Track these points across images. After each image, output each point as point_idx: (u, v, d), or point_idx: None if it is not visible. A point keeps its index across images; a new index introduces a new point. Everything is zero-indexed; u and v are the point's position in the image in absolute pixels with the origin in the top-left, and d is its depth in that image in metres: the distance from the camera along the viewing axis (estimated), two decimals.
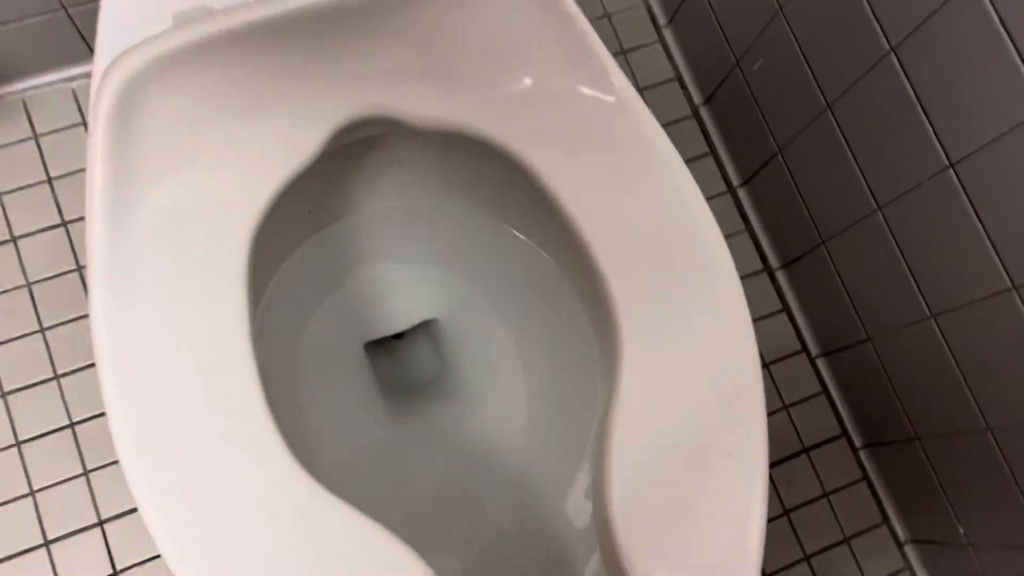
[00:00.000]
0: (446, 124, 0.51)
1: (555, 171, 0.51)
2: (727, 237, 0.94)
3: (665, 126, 0.98)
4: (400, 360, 0.73)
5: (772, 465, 0.94)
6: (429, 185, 0.63)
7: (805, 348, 0.97)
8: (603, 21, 1.04)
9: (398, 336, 0.72)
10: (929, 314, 0.76)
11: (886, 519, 0.93)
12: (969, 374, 0.74)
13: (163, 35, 0.46)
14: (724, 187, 1.01)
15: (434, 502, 0.65)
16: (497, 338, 0.66)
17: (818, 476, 0.94)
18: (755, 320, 0.90)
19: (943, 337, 0.75)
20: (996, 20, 0.59)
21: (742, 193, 1.00)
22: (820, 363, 0.97)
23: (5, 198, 0.87)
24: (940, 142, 0.68)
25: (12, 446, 0.82)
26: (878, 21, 0.70)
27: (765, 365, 0.96)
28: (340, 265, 0.68)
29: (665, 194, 0.54)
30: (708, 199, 0.95)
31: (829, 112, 0.80)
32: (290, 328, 0.63)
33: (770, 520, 0.92)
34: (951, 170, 0.67)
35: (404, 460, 0.66)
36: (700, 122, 1.02)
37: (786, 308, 0.98)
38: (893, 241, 0.77)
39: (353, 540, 0.44)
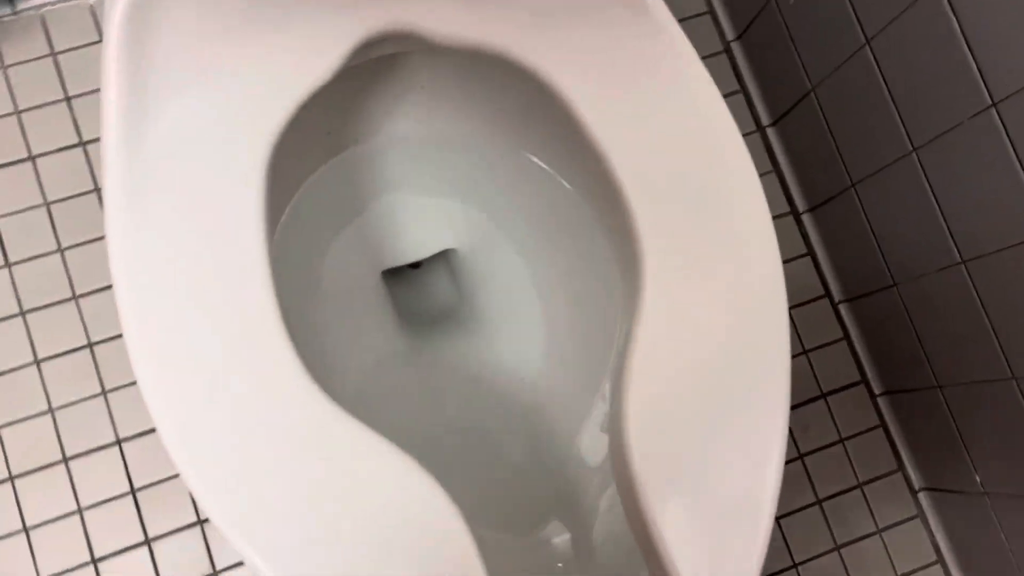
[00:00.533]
0: (467, 41, 0.49)
1: (584, 95, 0.49)
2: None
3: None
4: (418, 290, 0.72)
5: (791, 409, 0.93)
6: (450, 110, 0.62)
7: (828, 293, 0.96)
8: None
9: (416, 265, 0.71)
10: (960, 259, 0.74)
11: (901, 466, 0.93)
12: (997, 322, 0.73)
13: None
14: (753, 126, 0.98)
15: (449, 432, 0.65)
16: (516, 269, 0.65)
17: (835, 422, 0.93)
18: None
19: (972, 284, 0.74)
20: None
21: (771, 133, 0.98)
22: (843, 309, 0.95)
23: (23, 116, 0.86)
24: (984, 80, 0.65)
25: (31, 363, 0.82)
26: None
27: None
28: (359, 192, 0.66)
29: (699, 128, 0.52)
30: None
31: (868, 48, 0.77)
32: (308, 252, 0.62)
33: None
34: (994, 109, 0.65)
35: (420, 388, 0.65)
36: (732, 58, 0.99)
37: (811, 252, 0.97)
38: (927, 184, 0.75)
39: (361, 454, 0.43)
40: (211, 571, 0.82)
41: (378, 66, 0.58)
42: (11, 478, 0.81)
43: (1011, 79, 0.63)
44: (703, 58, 1.00)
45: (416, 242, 0.69)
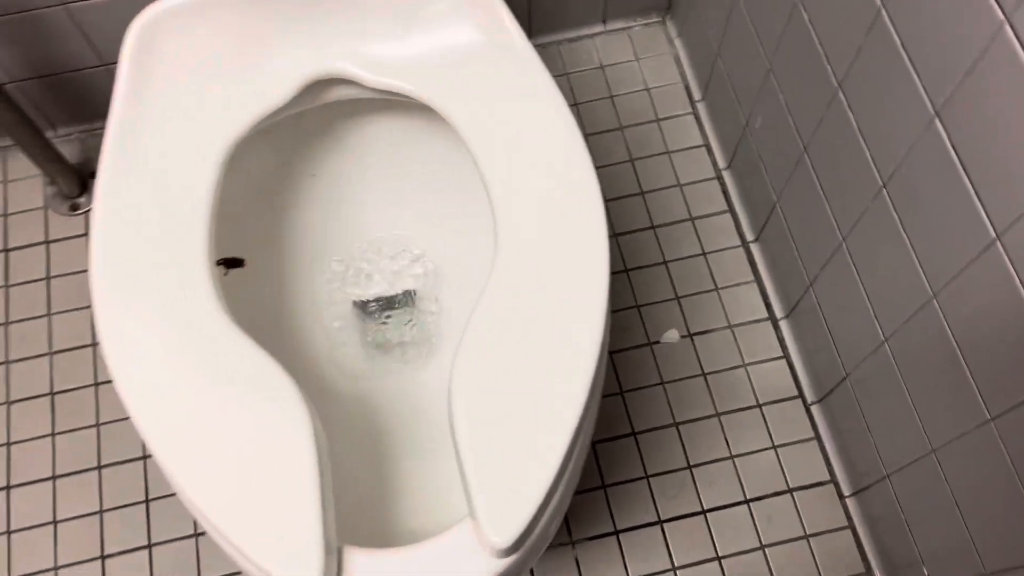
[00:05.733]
0: (388, 86, 0.65)
1: (467, 123, 0.63)
2: (737, 286, 1.01)
3: (692, 184, 1.08)
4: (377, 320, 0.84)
5: (756, 499, 0.95)
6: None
7: (801, 394, 1.00)
8: (643, 94, 1.17)
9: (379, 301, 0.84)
10: (883, 338, 0.79)
11: (868, 569, 0.91)
12: (913, 393, 0.76)
13: None
14: (738, 241, 1.08)
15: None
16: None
17: (800, 517, 0.94)
18: (757, 363, 0.95)
19: (895, 364, 0.78)
20: None
21: (753, 248, 1.07)
22: (814, 409, 0.99)
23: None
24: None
25: (91, 385, 1.00)
26: (918, 77, 0.78)
27: (759, 405, 0.99)
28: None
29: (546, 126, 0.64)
30: (723, 251, 1.04)
31: (806, 155, 0.87)
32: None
33: (742, 553, 0.93)
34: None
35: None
36: (722, 184, 1.11)
37: (786, 355, 1.02)
38: (858, 279, 0.82)
39: (240, 360, 0.56)
40: None
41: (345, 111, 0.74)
42: (53, 478, 0.97)
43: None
44: (699, 182, 1.12)
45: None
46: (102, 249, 0.59)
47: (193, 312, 0.58)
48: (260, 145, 0.68)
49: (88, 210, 1.09)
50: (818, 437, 0.98)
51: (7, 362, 1.02)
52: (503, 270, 0.59)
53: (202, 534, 0.94)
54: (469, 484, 0.52)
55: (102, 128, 1.13)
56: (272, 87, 0.65)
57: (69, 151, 1.11)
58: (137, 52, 0.63)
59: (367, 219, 0.83)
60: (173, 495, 0.96)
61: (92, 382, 1.01)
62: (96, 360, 1.02)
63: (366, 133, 0.78)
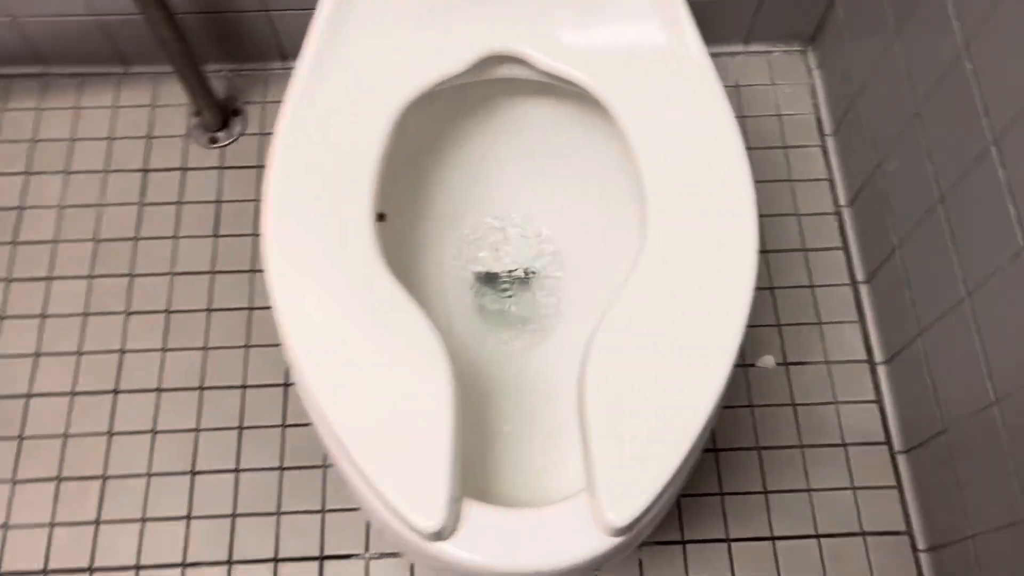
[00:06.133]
0: (559, 72, 0.68)
1: (633, 120, 0.65)
2: (840, 324, 1.01)
3: (809, 216, 1.08)
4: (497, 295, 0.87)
5: (827, 535, 0.95)
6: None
7: (889, 441, 1.00)
8: (774, 119, 1.18)
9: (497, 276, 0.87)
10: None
11: None
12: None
13: None
14: (848, 279, 1.08)
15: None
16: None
17: (869, 562, 0.94)
18: (848, 403, 0.95)
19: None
20: None
21: (863, 288, 1.07)
22: (900, 459, 0.98)
23: None
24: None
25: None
26: None
27: (844, 444, 0.99)
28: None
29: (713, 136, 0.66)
30: (831, 286, 1.04)
31: (940, 206, 0.87)
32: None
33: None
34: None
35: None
36: (840, 221, 1.11)
37: (879, 400, 1.02)
38: (978, 338, 0.82)
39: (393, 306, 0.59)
40: None
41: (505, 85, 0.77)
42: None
43: None
44: (817, 215, 1.12)
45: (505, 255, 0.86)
46: (279, 188, 0.63)
47: (356, 261, 0.61)
48: (423, 109, 0.71)
49: (225, 144, 1.15)
50: (900, 486, 0.97)
51: (132, 275, 1.08)
52: (649, 266, 0.60)
53: (287, 468, 0.98)
54: (593, 461, 0.54)
55: (249, 69, 1.18)
56: (451, 55, 0.68)
57: (216, 87, 1.16)
58: (337, 2, 0.67)
59: (501, 195, 0.85)
60: (265, 427, 1.00)
61: (205, 307, 1.06)
62: (212, 287, 1.07)
63: (517, 113, 0.81)
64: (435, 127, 0.80)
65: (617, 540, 0.54)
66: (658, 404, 0.56)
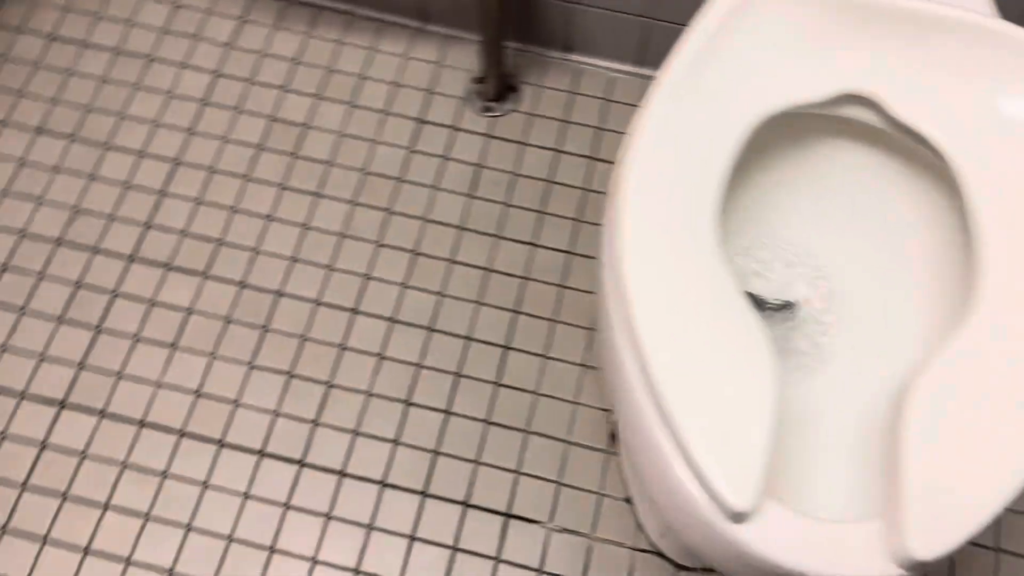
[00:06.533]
0: (916, 128, 0.70)
1: (983, 198, 0.67)
2: None
3: None
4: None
5: None
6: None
7: None
8: None
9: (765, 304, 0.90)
10: None
11: None
12: None
13: None
14: None
15: None
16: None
17: None
18: None
19: None
20: None
21: None
22: None
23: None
24: None
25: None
26: None
27: None
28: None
29: None
30: None
31: None
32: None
33: None
34: None
35: None
36: None
37: None
38: None
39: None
40: None
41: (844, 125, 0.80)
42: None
43: None
44: None
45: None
46: (637, 185, 0.67)
47: (702, 259, 0.65)
48: (762, 126, 0.74)
49: (497, 115, 1.22)
50: None
51: (390, 211, 1.16)
52: (984, 325, 0.62)
53: (492, 423, 1.04)
54: (904, 493, 0.56)
55: (533, 51, 1.25)
56: (813, 84, 0.72)
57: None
58: (726, 15, 0.71)
59: (786, 221, 0.88)
60: (479, 381, 1.06)
61: (448, 257, 1.13)
62: (458, 241, 1.14)
63: (827, 145, 0.84)
64: (758, 145, 0.83)
65: (901, 573, 0.56)
66: (981, 455, 0.58)
